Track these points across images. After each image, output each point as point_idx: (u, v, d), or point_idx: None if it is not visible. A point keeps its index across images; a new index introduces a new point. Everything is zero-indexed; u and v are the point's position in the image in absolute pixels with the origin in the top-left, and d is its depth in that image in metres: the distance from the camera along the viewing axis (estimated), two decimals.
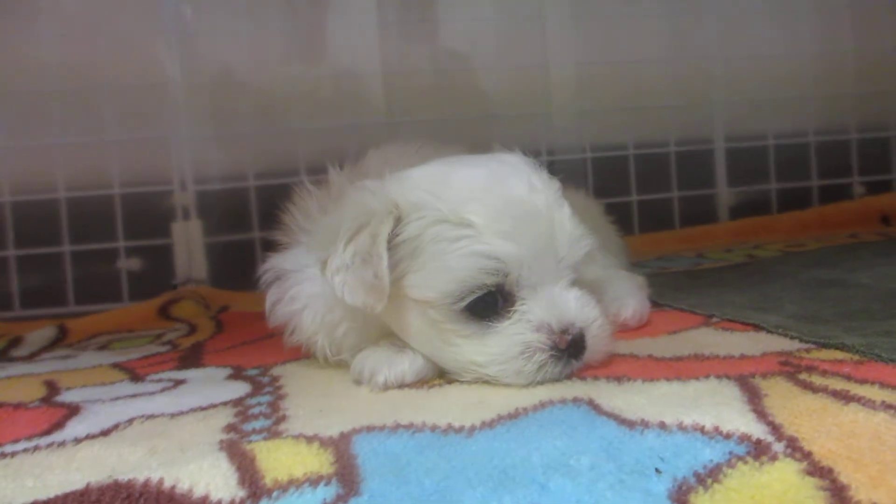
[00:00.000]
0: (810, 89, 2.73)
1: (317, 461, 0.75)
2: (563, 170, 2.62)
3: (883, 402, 0.78)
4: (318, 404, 1.00)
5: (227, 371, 1.26)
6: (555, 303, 1.00)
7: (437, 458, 0.74)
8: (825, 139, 2.74)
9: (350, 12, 2.49)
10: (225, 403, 1.04)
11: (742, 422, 0.76)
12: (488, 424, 0.83)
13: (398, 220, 1.00)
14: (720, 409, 0.80)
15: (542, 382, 0.97)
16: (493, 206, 0.98)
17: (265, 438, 0.84)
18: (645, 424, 0.78)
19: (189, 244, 2.40)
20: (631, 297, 1.32)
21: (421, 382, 1.05)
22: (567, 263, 1.03)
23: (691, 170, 2.70)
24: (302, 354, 1.24)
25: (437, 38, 2.61)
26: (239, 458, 0.75)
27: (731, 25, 2.68)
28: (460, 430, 0.82)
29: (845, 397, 0.81)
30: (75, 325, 1.88)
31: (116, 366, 1.38)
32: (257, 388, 1.12)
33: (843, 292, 1.36)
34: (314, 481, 0.71)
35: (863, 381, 0.87)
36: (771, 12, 2.70)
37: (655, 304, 1.48)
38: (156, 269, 2.39)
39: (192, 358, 1.40)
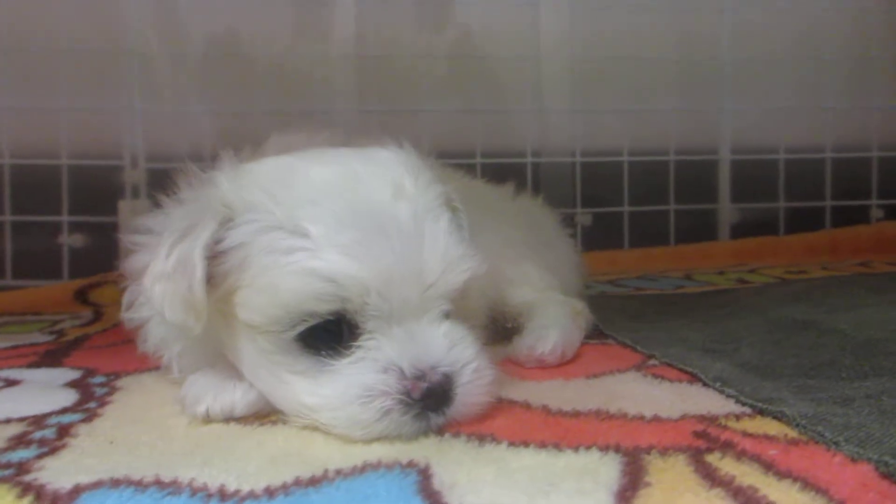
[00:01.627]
0: (831, 99, 2.45)
1: None
2: (548, 173, 2.45)
3: None
4: (118, 434, 0.82)
5: (74, 375, 1.12)
6: (413, 340, 0.78)
7: None
8: (843, 156, 2.47)
9: None
10: (21, 419, 0.89)
11: None
12: (273, 492, 0.64)
13: (226, 222, 0.80)
14: (574, 501, 0.60)
15: (388, 437, 0.76)
16: (336, 213, 0.78)
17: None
18: None
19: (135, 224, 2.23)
20: (555, 328, 1.10)
21: (255, 416, 0.85)
22: (437, 292, 0.80)
23: (691, 182, 2.46)
24: None
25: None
26: None
27: (745, 23, 2.41)
28: (230, 497, 0.63)
29: (748, 501, 0.60)
30: None
31: None
32: (82, 401, 0.98)
33: (814, 338, 1.13)
34: None
35: (784, 475, 0.65)
36: (791, 10, 2.43)
37: (600, 333, 1.27)
38: (99, 248, 2.22)
39: (57, 354, 1.26)
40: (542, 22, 2.36)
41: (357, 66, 2.29)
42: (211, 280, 0.81)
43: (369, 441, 0.76)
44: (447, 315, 0.83)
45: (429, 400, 0.76)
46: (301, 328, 0.77)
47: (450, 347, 0.79)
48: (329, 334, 0.78)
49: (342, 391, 0.77)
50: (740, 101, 2.43)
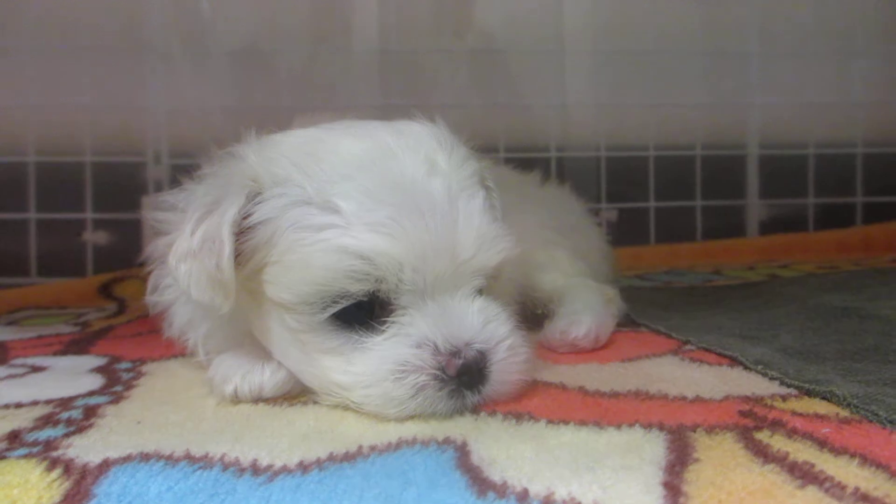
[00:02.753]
0: (863, 93, 2.40)
1: (34, 498, 0.56)
2: (572, 169, 2.41)
3: (857, 489, 0.54)
4: (145, 415, 0.80)
5: (100, 362, 1.10)
6: (446, 315, 0.75)
7: None
8: (876, 151, 2.41)
9: None
10: (48, 402, 0.88)
11: (639, 502, 0.53)
12: (307, 466, 0.61)
13: (254, 197, 0.78)
14: (621, 476, 0.57)
15: (423, 415, 0.74)
16: (368, 189, 0.75)
17: (25, 456, 0.64)
18: (501, 491, 0.54)
19: None
20: (589, 313, 1.07)
21: (284, 397, 0.83)
22: (471, 268, 0.78)
23: (719, 177, 2.40)
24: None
25: None
26: None
27: (774, 13, 2.37)
28: (263, 471, 0.61)
29: (806, 475, 0.57)
30: (2, 296, 1.72)
31: None
32: (109, 385, 0.97)
33: (857, 324, 1.09)
34: None
35: (840, 451, 0.62)
36: (822, 1, 2.38)
37: (631, 322, 1.24)
38: (123, 245, 2.22)
39: (82, 343, 1.25)
40: (566, 14, 2.34)
41: (380, 60, 2.27)
42: (238, 256, 0.79)
43: (403, 419, 0.73)
44: (480, 292, 0.80)
45: (464, 377, 0.74)
46: (333, 310, 0.75)
47: (484, 324, 0.77)
48: (360, 311, 0.76)
49: (375, 368, 0.74)
50: (769, 94, 2.38)
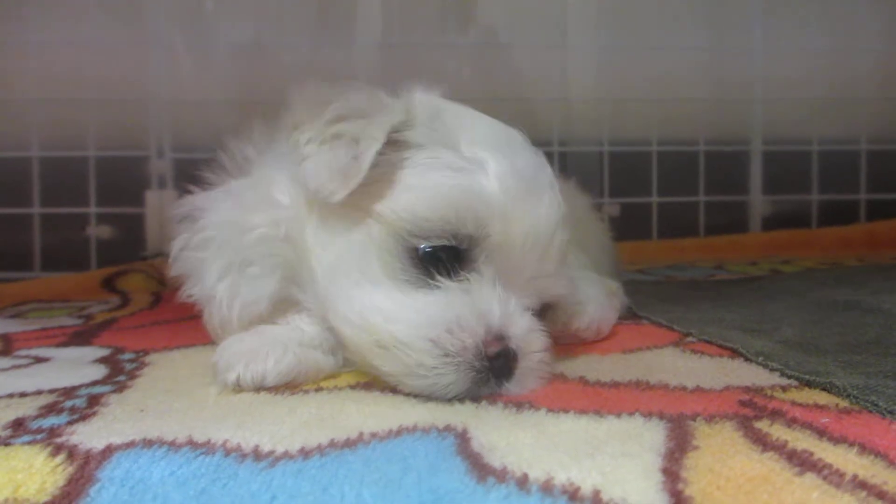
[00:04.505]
0: (867, 90, 2.39)
1: (38, 482, 0.56)
2: (575, 163, 2.41)
3: (855, 476, 0.54)
4: (148, 403, 0.81)
5: (103, 353, 1.10)
6: (508, 304, 0.80)
7: (193, 497, 0.53)
8: (880, 148, 2.41)
9: None
10: (52, 391, 0.87)
11: (637, 487, 0.53)
12: (308, 452, 0.62)
13: (408, 119, 0.83)
14: (620, 463, 0.57)
15: (445, 384, 0.75)
16: (515, 163, 0.82)
17: (29, 442, 0.65)
18: (501, 476, 0.55)
19: (162, 214, 2.23)
20: (591, 304, 1.07)
21: (286, 386, 0.83)
22: (542, 285, 0.85)
23: (722, 173, 2.41)
24: (199, 340, 1.07)
25: None
26: None
27: (779, 12, 2.36)
28: (265, 457, 0.61)
29: (804, 463, 0.57)
30: (5, 290, 1.73)
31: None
32: (112, 375, 0.97)
33: (858, 318, 1.09)
34: None
35: (839, 440, 0.62)
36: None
37: (633, 315, 1.24)
38: (126, 239, 2.23)
39: (86, 335, 1.25)
40: (570, 8, 2.34)
41: (383, 54, 2.27)
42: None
43: (418, 387, 0.75)
44: (531, 309, 0.84)
45: (497, 361, 0.76)
46: (435, 243, 0.79)
47: (529, 331, 0.81)
48: (439, 260, 0.79)
49: (436, 312, 0.76)
50: (773, 90, 2.38)
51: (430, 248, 0.79)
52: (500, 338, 0.77)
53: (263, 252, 0.90)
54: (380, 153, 0.80)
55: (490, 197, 0.78)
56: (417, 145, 0.82)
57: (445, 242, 0.79)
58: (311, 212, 0.85)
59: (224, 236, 0.93)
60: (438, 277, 0.79)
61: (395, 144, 0.82)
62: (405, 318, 0.77)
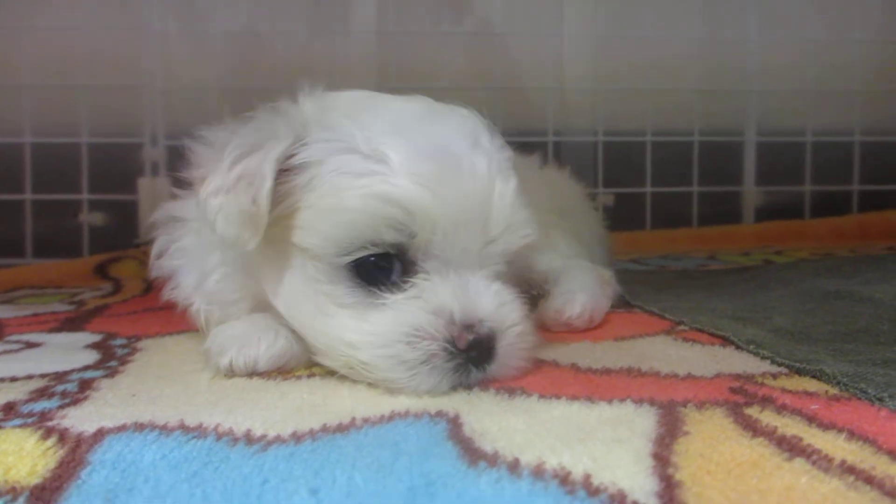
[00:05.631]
0: (862, 82, 2.40)
1: (29, 465, 0.56)
2: (570, 153, 2.41)
3: (843, 462, 0.54)
4: (140, 388, 0.81)
5: (95, 338, 1.10)
6: (466, 289, 0.77)
7: (185, 480, 0.53)
8: (873, 139, 2.42)
9: None
10: (43, 375, 0.88)
11: (628, 472, 0.53)
12: (300, 437, 0.62)
13: (300, 140, 0.79)
14: (611, 448, 0.58)
15: (427, 388, 0.74)
16: (417, 146, 0.77)
17: (20, 426, 0.65)
18: (492, 461, 0.55)
19: (155, 202, 2.21)
20: (583, 292, 1.08)
21: (278, 371, 0.83)
22: (497, 249, 0.80)
23: (716, 164, 2.41)
24: (190, 327, 1.04)
25: None
26: None
27: (774, 2, 2.36)
28: (257, 441, 0.61)
29: (793, 448, 0.57)
30: None
31: None
32: (104, 360, 0.97)
33: (849, 307, 1.10)
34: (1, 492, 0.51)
35: (828, 426, 0.62)
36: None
37: (625, 303, 1.24)
38: (119, 226, 2.22)
39: (77, 321, 1.25)
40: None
41: (378, 43, 2.26)
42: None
43: (404, 392, 0.74)
44: (498, 276, 0.81)
45: (472, 352, 0.75)
46: (359, 255, 0.76)
47: (499, 305, 0.78)
48: (381, 271, 0.77)
49: (389, 328, 0.75)
50: (767, 82, 2.38)
51: (360, 263, 0.76)
52: (469, 326, 0.75)
53: (230, 287, 0.91)
54: (283, 182, 0.78)
55: (398, 194, 0.74)
56: (317, 161, 0.78)
57: (377, 251, 0.76)
58: (257, 251, 0.82)
59: (195, 253, 0.93)
60: (384, 289, 0.76)
61: (296, 169, 0.79)
62: (365, 341, 0.75)
